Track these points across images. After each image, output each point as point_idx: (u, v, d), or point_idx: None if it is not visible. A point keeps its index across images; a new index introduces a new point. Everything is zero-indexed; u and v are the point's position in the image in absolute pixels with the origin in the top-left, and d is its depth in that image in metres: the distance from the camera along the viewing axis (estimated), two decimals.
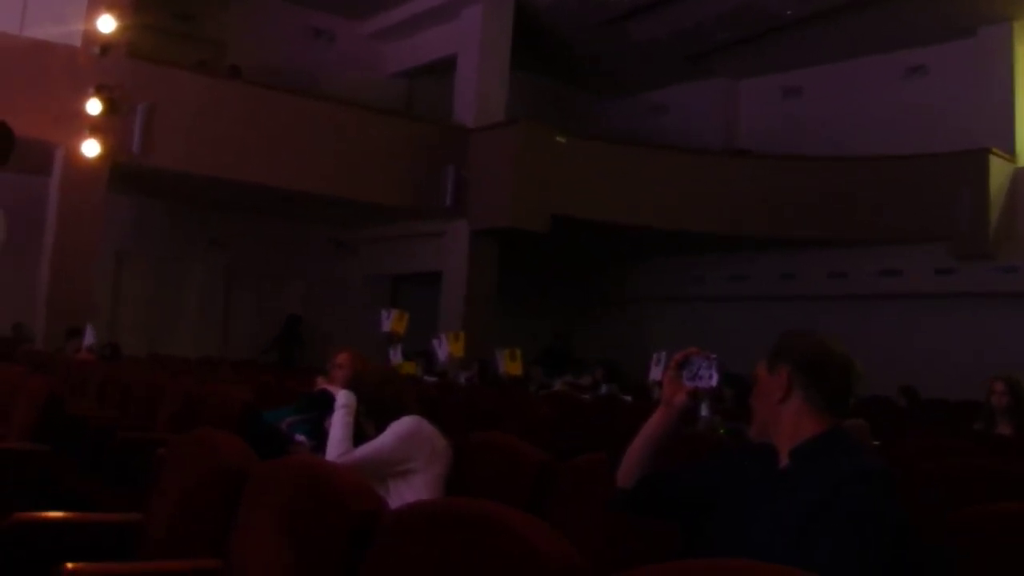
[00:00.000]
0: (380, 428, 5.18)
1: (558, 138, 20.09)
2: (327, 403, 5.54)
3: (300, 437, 6.09)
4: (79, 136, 16.84)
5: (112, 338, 17.37)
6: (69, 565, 3.68)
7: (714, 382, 3.35)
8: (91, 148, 16.90)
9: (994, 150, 19.44)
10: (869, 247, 20.28)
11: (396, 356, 14.49)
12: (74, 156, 16.94)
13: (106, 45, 17.11)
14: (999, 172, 19.55)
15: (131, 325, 20.56)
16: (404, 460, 5.01)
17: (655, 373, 14.57)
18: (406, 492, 4.86)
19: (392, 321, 14.99)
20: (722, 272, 22.67)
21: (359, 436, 5.23)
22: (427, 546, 2.94)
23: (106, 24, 17.06)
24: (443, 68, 22.25)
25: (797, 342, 3.28)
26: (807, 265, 21.26)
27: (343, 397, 5.32)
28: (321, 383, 6.62)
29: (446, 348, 15.65)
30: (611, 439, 5.54)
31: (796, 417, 3.17)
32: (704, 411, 9.72)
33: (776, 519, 2.98)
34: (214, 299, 22.11)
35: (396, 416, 5.20)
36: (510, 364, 15.67)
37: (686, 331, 18.68)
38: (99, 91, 16.84)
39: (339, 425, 5.22)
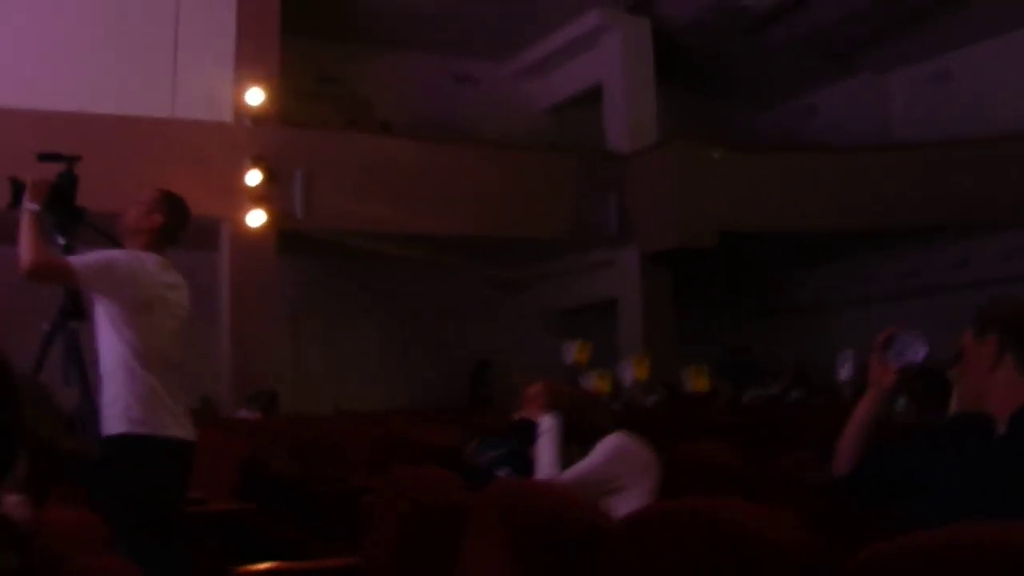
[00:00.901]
0: (585, 450, 5.13)
1: (713, 153, 19.98)
2: (529, 432, 5.49)
3: (502, 472, 6.02)
4: (242, 208, 17.09)
5: (297, 398, 17.62)
6: None
7: (921, 356, 3.26)
8: (256, 218, 17.13)
9: None
10: None
11: (588, 383, 14.48)
12: (240, 228, 17.22)
13: (257, 116, 17.39)
14: None
15: (314, 386, 20.75)
16: (614, 478, 4.95)
17: (842, 373, 14.40)
18: (619, 509, 4.78)
19: (575, 352, 15.01)
20: (894, 267, 22.28)
21: (565, 460, 5.18)
22: (658, 550, 2.85)
23: (254, 96, 17.34)
24: (590, 98, 22.22)
25: (1004, 308, 3.21)
26: (979, 250, 20.82)
27: (546, 422, 5.29)
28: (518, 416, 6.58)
29: (631, 373, 15.61)
30: (805, 444, 5.44)
31: (1009, 383, 3.08)
32: (900, 405, 9.49)
33: (999, 487, 2.90)
34: (394, 352, 22.17)
35: (600, 436, 5.14)
36: (697, 381, 15.58)
37: (865, 331, 18.28)
38: (256, 162, 17.06)
39: (546, 450, 5.19)
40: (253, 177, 17.05)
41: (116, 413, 4.92)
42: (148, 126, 16.31)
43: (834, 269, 23.25)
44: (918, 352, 3.26)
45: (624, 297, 20.54)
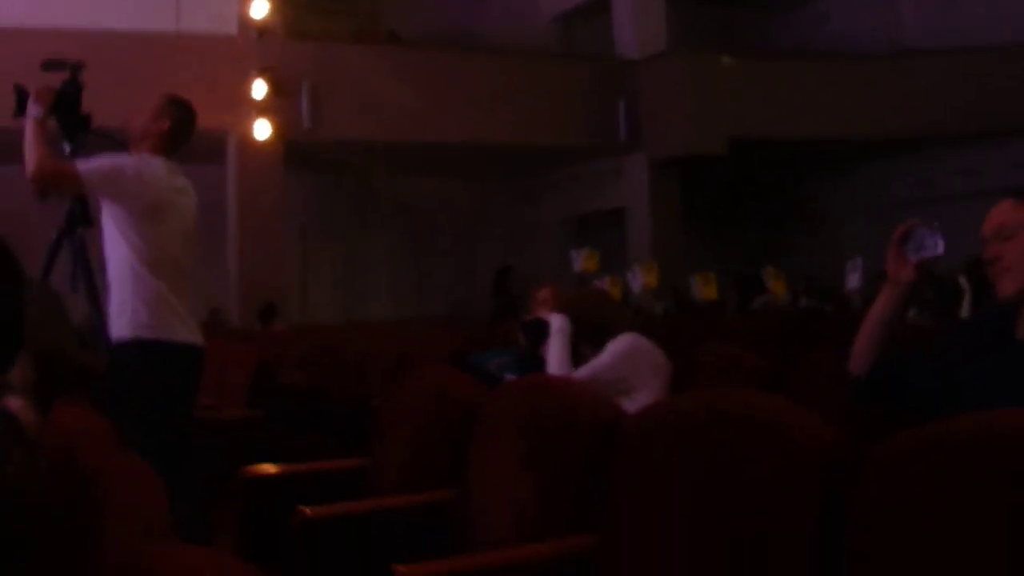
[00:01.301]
0: (596, 349, 5.10)
1: (723, 60, 19.84)
2: (541, 332, 5.46)
3: (511, 376, 6.01)
4: (248, 120, 17.00)
5: (304, 312, 17.61)
6: (307, 510, 3.66)
7: (940, 250, 3.14)
8: (262, 130, 17.05)
9: None
10: None
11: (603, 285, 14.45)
12: (246, 140, 17.15)
13: (262, 28, 17.25)
14: None
15: (324, 298, 20.80)
16: (625, 378, 4.93)
17: (851, 281, 14.37)
18: (630, 410, 4.77)
19: (583, 260, 14.96)
20: (906, 176, 22.19)
21: (576, 358, 5.16)
22: (678, 442, 2.83)
23: (259, 8, 17.19)
24: (599, 6, 21.93)
25: None
26: (989, 160, 20.71)
27: (557, 321, 5.26)
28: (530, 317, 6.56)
29: (639, 280, 15.55)
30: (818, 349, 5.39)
31: None
32: (910, 314, 9.46)
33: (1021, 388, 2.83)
34: (404, 263, 22.17)
35: (611, 336, 5.11)
36: (705, 288, 15.54)
37: (877, 239, 18.20)
38: (262, 73, 16.94)
39: (557, 349, 5.16)
40: (259, 89, 16.93)
41: (124, 319, 4.91)
42: (153, 40, 16.18)
43: (844, 178, 23.19)
44: (937, 246, 3.14)
45: (633, 205, 20.49)
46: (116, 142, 5.27)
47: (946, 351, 3.20)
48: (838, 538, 2.30)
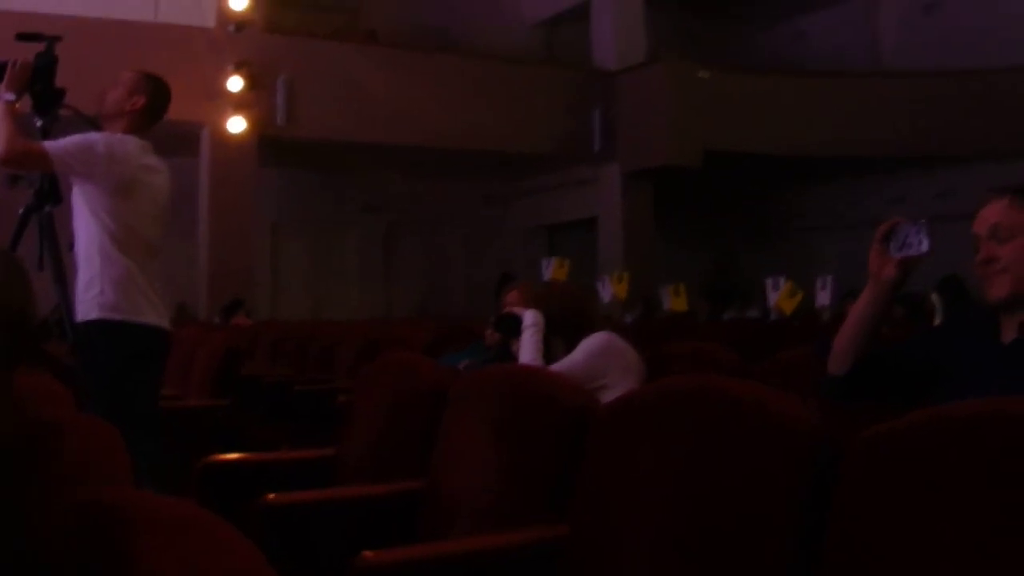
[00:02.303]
0: (569, 346, 5.01)
1: (700, 74, 19.84)
2: (514, 326, 5.38)
3: None
4: (223, 114, 16.98)
5: (274, 307, 17.53)
6: (270, 496, 3.58)
7: (925, 248, 3.05)
8: (236, 124, 17.02)
9: None
10: None
11: None
12: (220, 134, 17.11)
13: (240, 22, 17.19)
14: None
15: (293, 295, 20.75)
16: (598, 376, 4.82)
17: (821, 298, 14.37)
18: None
19: (553, 269, 14.94)
20: (880, 195, 22.24)
21: (547, 358, 5.07)
22: (653, 429, 2.76)
23: (238, 1, 17.12)
24: (580, 14, 21.95)
25: None
26: (966, 182, 20.75)
27: (530, 316, 5.17)
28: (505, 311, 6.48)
29: (609, 290, 15.55)
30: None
31: None
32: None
33: (1009, 391, 2.73)
34: (373, 263, 22.19)
35: (585, 333, 5.02)
36: (675, 300, 15.56)
37: (849, 256, 18.32)
38: (239, 68, 16.92)
39: (529, 345, 5.07)
40: (235, 83, 16.91)
41: (90, 298, 4.86)
42: (130, 29, 16.08)
43: (818, 194, 23.28)
44: (922, 244, 3.06)
45: (605, 215, 20.51)
46: (88, 121, 5.19)
47: (930, 349, 3.13)
48: (820, 522, 2.25)
